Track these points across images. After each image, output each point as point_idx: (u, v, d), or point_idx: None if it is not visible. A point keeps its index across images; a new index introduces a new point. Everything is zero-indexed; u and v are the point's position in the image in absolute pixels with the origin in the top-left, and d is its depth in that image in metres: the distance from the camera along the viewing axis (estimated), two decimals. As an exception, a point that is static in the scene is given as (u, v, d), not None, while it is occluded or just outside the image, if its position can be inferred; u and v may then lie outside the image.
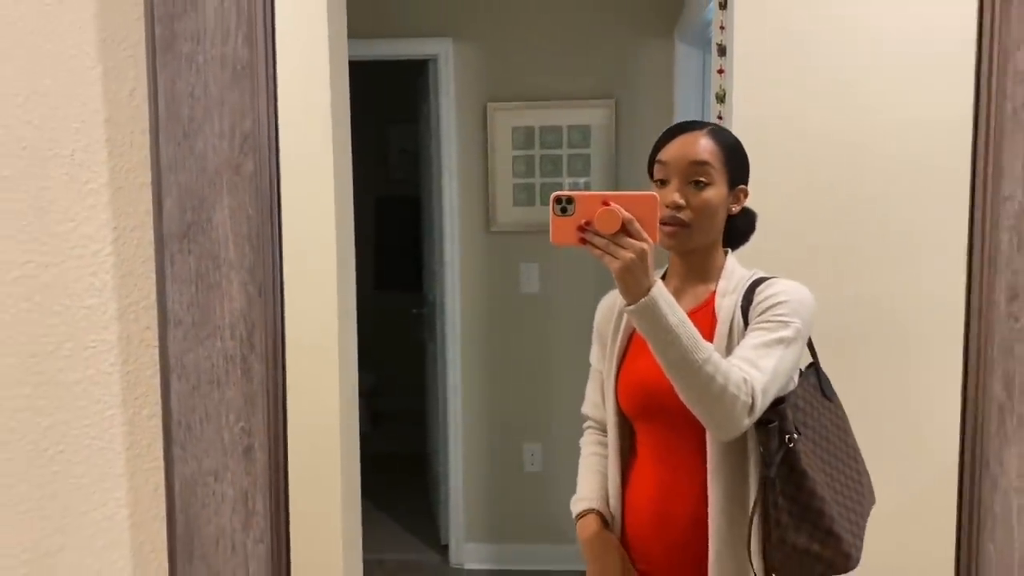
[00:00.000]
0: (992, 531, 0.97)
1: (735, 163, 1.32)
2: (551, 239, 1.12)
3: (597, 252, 1.09)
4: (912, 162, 1.58)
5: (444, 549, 3.14)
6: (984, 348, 0.97)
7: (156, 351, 1.04)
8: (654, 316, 1.11)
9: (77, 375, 1.09)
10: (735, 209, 1.33)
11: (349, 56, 1.78)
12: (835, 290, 1.55)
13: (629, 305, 1.12)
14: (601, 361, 1.43)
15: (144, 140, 1.03)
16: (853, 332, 1.55)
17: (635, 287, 1.10)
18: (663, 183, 1.30)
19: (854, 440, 1.33)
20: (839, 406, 1.34)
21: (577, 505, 1.43)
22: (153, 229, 1.01)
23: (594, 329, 1.47)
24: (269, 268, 1.00)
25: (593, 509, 1.40)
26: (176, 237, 1.00)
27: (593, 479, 1.44)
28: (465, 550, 3.09)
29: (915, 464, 1.45)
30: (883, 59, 1.59)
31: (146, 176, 1.03)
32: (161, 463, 1.04)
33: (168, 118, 0.99)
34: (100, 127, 1.06)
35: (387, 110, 4.41)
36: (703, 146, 1.30)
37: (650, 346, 1.15)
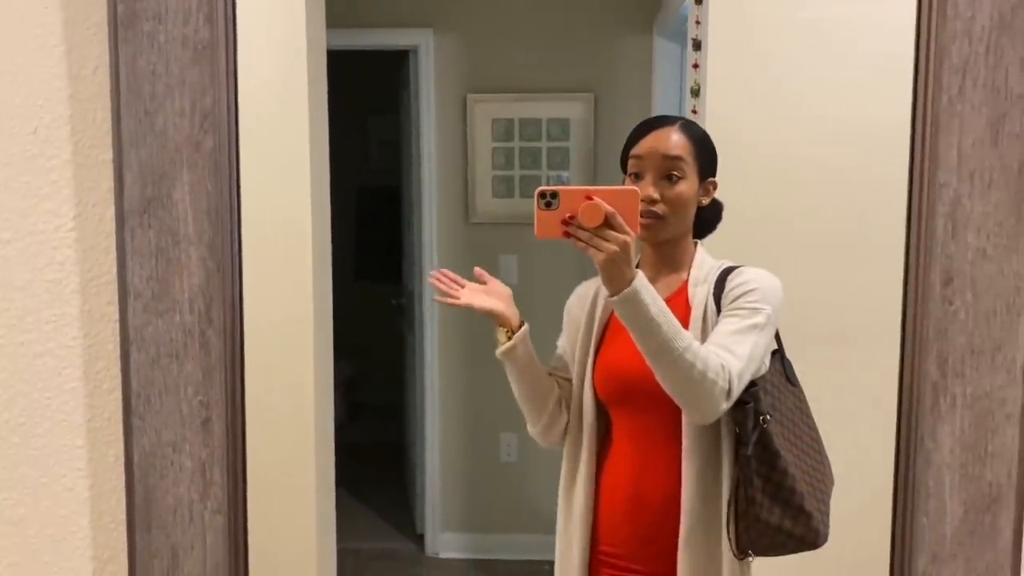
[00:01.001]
0: (926, 505, 1.01)
1: (705, 156, 1.35)
2: (536, 233, 1.16)
3: (581, 245, 1.13)
4: (884, 157, 1.59)
5: (420, 538, 3.14)
6: (920, 330, 1.00)
7: (117, 325, 1.05)
8: (637, 306, 1.15)
9: (39, 348, 1.10)
10: (705, 201, 1.37)
11: (328, 46, 1.79)
12: (804, 280, 1.57)
13: (612, 296, 1.15)
14: (571, 344, 1.45)
15: (106, 117, 1.05)
16: (810, 320, 1.57)
17: (618, 278, 1.14)
18: (637, 177, 1.33)
19: (815, 424, 1.37)
20: (801, 392, 1.38)
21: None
22: (114, 204, 1.03)
23: (565, 314, 1.49)
24: (228, 244, 1.02)
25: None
26: (136, 212, 1.02)
27: None
28: (441, 539, 3.09)
29: (857, 449, 1.48)
30: (853, 58, 1.61)
31: (108, 153, 1.05)
32: (121, 436, 1.06)
33: (130, 95, 1.01)
34: (64, 104, 1.07)
35: (369, 101, 4.40)
36: (676, 141, 1.33)
37: (632, 335, 1.19)
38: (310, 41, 1.68)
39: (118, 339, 1.05)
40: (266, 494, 1.43)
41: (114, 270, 1.05)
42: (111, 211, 1.05)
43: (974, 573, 1.01)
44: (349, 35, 2.84)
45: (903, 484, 1.02)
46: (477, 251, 2.99)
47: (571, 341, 1.46)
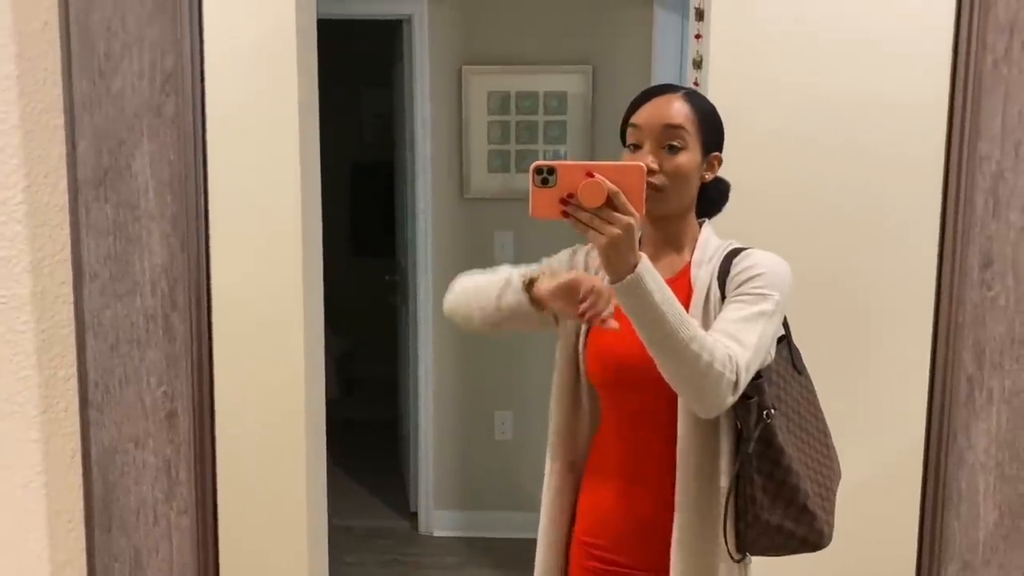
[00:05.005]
0: (957, 508, 0.93)
1: (710, 129, 1.27)
2: (531, 212, 1.07)
3: (581, 227, 1.04)
4: (891, 132, 1.53)
5: (413, 516, 3.13)
6: (954, 316, 0.91)
7: (73, 308, 0.96)
8: (640, 293, 1.07)
9: (-12, 332, 1.01)
10: (708, 177, 1.29)
11: (319, 14, 1.73)
12: (808, 260, 1.51)
13: (614, 282, 1.07)
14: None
15: (58, 79, 0.95)
16: (824, 303, 1.51)
17: (621, 263, 1.05)
18: (636, 147, 1.25)
19: (822, 414, 1.30)
20: (809, 380, 1.31)
21: (515, 279, 1.28)
22: (67, 175, 0.93)
23: (546, 264, 1.40)
24: (193, 219, 0.92)
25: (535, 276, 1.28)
26: (92, 184, 0.92)
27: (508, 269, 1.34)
28: (434, 517, 3.08)
29: (883, 438, 1.42)
30: (866, 27, 1.54)
31: (60, 117, 0.95)
32: (79, 428, 0.97)
33: (83, 54, 0.91)
34: (10, 62, 0.96)
35: (362, 72, 4.31)
36: (678, 109, 1.24)
37: (633, 323, 1.11)
38: (299, 10, 1.62)
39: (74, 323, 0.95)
40: (255, 472, 1.37)
41: (68, 247, 0.95)
42: (64, 182, 0.95)
43: (1008, 582, 0.94)
44: (341, 4, 2.76)
45: (933, 485, 0.94)
46: (472, 227, 2.94)
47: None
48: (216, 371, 1.00)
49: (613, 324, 1.18)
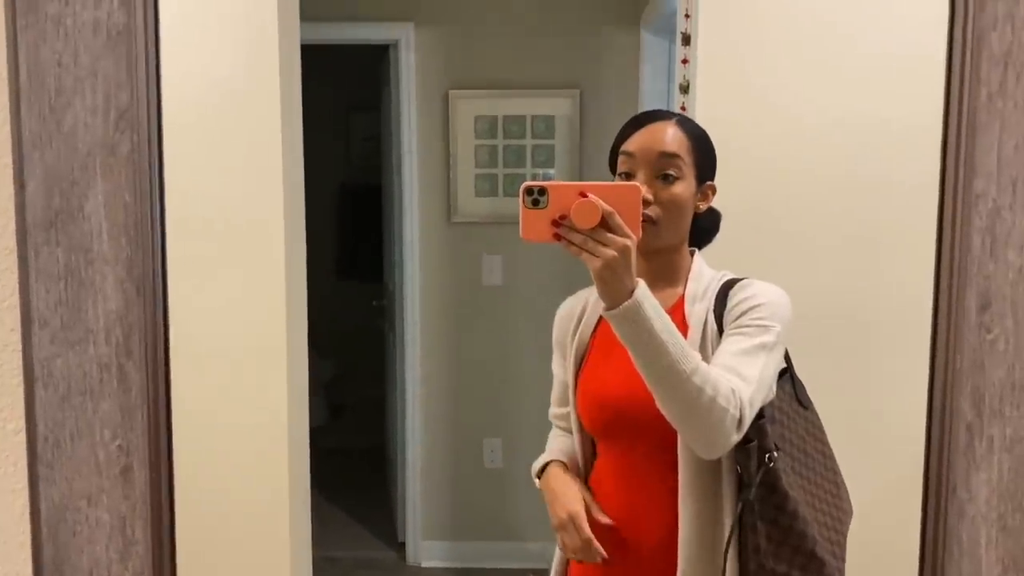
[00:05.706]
0: (959, 563, 0.88)
1: (704, 157, 1.22)
2: (521, 234, 1.01)
3: (574, 249, 0.98)
4: (882, 158, 1.51)
5: (401, 547, 3.08)
6: (952, 361, 0.87)
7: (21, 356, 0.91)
8: (638, 321, 1.00)
9: (-67, 382, 0.95)
10: (702, 207, 1.23)
11: (304, 39, 1.72)
12: (800, 287, 1.47)
13: (610, 309, 1.01)
14: (563, 370, 1.32)
15: (6, 116, 0.90)
16: (819, 332, 1.47)
17: (617, 288, 0.99)
18: (628, 176, 1.19)
19: (830, 449, 1.24)
20: (815, 414, 1.24)
21: (537, 463, 1.29)
22: (15, 217, 0.88)
23: (553, 342, 1.36)
24: (149, 263, 0.87)
25: (554, 461, 1.27)
26: (42, 226, 0.87)
27: (557, 443, 1.33)
28: (422, 548, 3.03)
29: (881, 469, 1.38)
30: (854, 50, 1.52)
31: (9, 156, 0.90)
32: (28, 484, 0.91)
33: (32, 89, 0.86)
34: (-43, 99, 0.92)
35: (351, 96, 4.29)
36: (673, 137, 1.19)
37: (632, 355, 1.04)
38: (282, 34, 1.60)
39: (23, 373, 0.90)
40: (236, 502, 1.33)
41: (17, 293, 0.90)
42: (13, 224, 0.90)
43: (1013, 641, 0.88)
44: (328, 29, 2.74)
45: (932, 538, 0.89)
46: (460, 251, 2.92)
47: (562, 367, 1.33)
48: (194, 397, 0.96)
49: (604, 519, 1.19)
